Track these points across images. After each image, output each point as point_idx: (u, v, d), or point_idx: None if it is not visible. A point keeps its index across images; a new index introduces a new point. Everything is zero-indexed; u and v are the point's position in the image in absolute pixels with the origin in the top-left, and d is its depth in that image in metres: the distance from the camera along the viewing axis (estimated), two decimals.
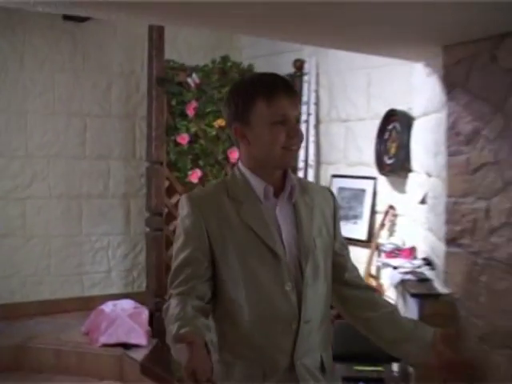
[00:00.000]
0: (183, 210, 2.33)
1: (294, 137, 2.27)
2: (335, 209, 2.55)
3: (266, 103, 2.23)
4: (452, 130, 4.15)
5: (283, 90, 2.27)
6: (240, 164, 2.41)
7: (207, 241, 2.27)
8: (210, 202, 2.32)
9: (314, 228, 2.39)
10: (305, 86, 6.62)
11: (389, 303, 2.67)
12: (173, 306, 2.19)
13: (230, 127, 2.37)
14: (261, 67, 6.67)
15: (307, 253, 2.34)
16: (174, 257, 2.33)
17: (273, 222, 2.32)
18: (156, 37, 5.96)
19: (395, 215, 5.52)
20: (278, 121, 2.23)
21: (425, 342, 2.42)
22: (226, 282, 2.28)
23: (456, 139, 4.12)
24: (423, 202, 4.74)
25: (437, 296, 4.09)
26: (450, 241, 4.19)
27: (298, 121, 2.32)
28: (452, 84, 4.16)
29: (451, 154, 4.17)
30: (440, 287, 4.22)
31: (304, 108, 6.57)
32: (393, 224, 5.56)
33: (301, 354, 2.29)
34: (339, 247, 2.56)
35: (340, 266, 2.55)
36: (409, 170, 5.28)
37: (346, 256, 2.61)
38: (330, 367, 2.44)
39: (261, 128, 2.26)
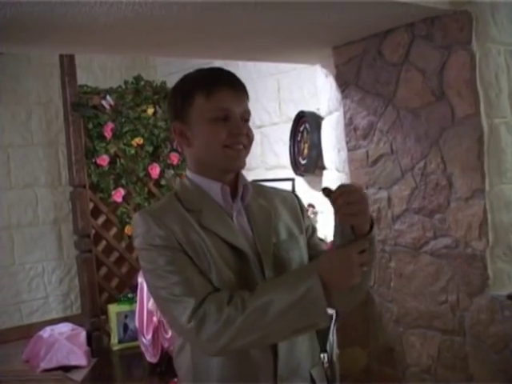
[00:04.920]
0: (143, 227, 1.90)
1: (238, 135, 1.93)
2: (300, 205, 2.21)
3: (205, 97, 1.92)
4: (349, 126, 4.23)
5: (225, 82, 1.96)
6: (187, 172, 2.07)
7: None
8: (170, 215, 1.91)
9: (274, 230, 2.04)
10: None
11: None
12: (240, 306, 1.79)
13: (171, 128, 2.05)
14: (174, 83, 6.71)
15: (267, 257, 1.97)
16: (159, 280, 1.87)
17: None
18: (67, 63, 5.92)
19: (315, 213, 5.60)
20: (219, 117, 1.92)
21: None
22: None
23: (354, 134, 4.20)
24: None
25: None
26: None
27: (246, 119, 1.99)
28: (345, 82, 4.23)
29: (351, 148, 4.24)
30: None
31: None
32: (314, 221, 5.64)
33: (285, 375, 1.92)
34: (313, 241, 2.20)
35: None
36: (323, 168, 5.34)
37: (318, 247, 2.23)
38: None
39: (200, 126, 1.94)
